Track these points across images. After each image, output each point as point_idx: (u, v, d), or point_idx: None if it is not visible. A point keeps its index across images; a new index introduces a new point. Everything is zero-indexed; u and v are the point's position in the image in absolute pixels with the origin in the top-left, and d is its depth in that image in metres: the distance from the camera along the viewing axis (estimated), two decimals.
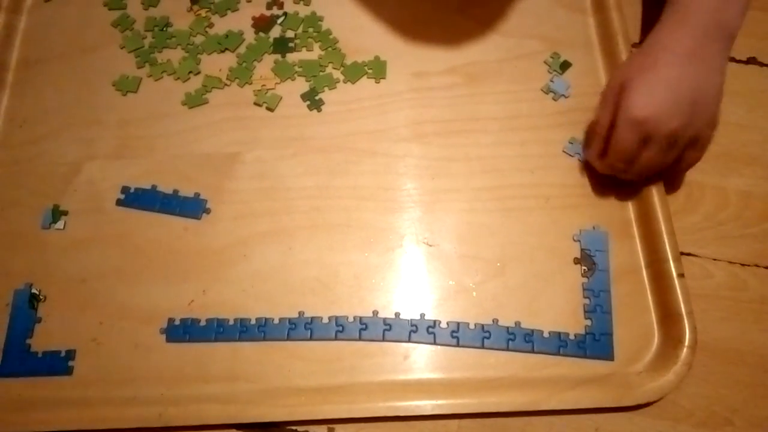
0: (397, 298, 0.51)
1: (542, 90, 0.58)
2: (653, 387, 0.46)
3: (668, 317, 0.49)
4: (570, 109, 0.57)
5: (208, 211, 0.54)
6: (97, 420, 0.46)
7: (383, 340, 0.49)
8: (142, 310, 0.51)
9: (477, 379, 0.48)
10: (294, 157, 0.56)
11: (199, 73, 0.61)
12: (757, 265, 0.52)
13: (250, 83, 0.60)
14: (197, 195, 0.55)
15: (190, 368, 0.49)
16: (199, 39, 0.62)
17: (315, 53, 0.61)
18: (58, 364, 0.49)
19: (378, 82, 0.59)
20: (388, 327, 0.50)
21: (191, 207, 0.54)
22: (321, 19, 0.63)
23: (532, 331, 0.49)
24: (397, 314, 0.50)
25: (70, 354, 0.50)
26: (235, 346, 0.49)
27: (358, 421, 0.47)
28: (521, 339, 0.49)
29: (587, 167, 0.54)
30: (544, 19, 0.62)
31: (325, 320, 0.50)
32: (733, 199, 0.54)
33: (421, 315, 0.50)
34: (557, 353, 0.49)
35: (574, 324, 0.50)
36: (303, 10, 0.63)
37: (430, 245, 0.53)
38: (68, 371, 0.49)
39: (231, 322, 0.50)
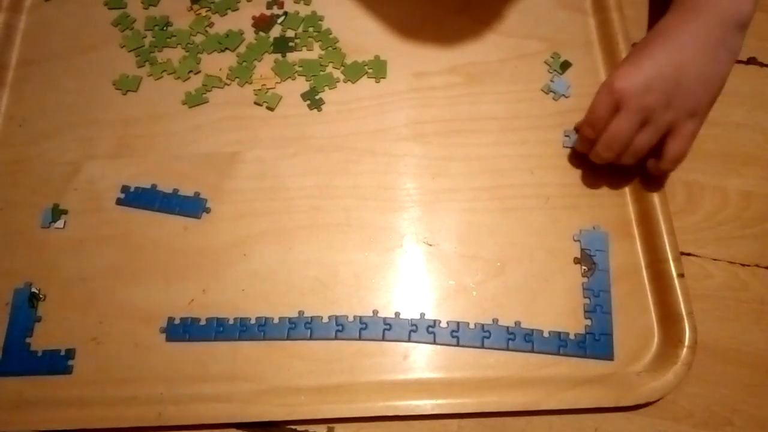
0: (397, 297, 0.51)
1: (542, 90, 0.58)
2: (653, 387, 0.46)
3: (668, 317, 0.49)
4: (570, 109, 0.57)
5: (208, 210, 0.54)
6: (96, 419, 0.46)
7: (383, 339, 0.49)
8: (141, 310, 0.51)
9: (477, 378, 0.48)
10: (294, 157, 0.56)
11: (199, 72, 0.60)
12: (757, 266, 0.52)
13: (251, 83, 0.60)
14: (197, 194, 0.55)
15: (190, 367, 0.49)
16: (199, 38, 0.62)
17: (315, 53, 0.61)
18: (58, 363, 0.49)
19: (378, 82, 0.59)
20: (388, 326, 0.50)
21: (191, 206, 0.54)
22: (321, 18, 0.63)
23: (532, 330, 0.49)
24: (397, 314, 0.50)
25: (70, 353, 0.50)
26: (235, 346, 0.49)
27: (357, 421, 0.47)
28: (521, 339, 0.49)
29: (586, 167, 0.54)
30: (545, 19, 0.62)
31: (325, 320, 0.50)
32: (733, 199, 0.54)
33: (421, 314, 0.50)
34: (557, 353, 0.49)
35: (574, 324, 0.50)
36: (303, 10, 0.63)
37: (430, 245, 0.53)
38: (68, 370, 0.49)
39: (231, 322, 0.50)
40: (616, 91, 0.47)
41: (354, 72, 0.60)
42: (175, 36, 0.62)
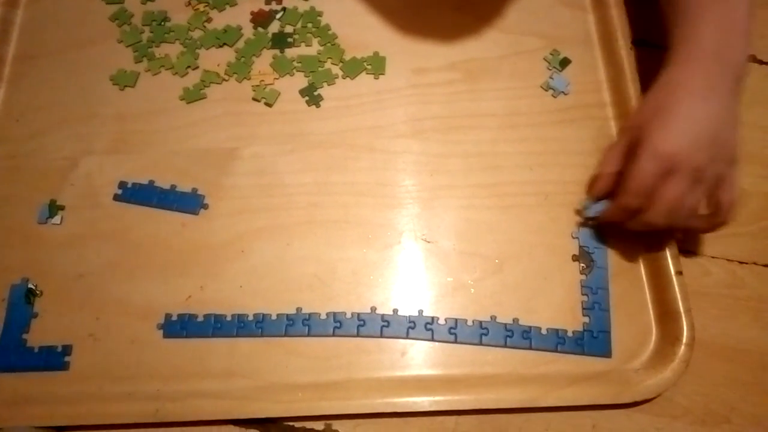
0: (395, 294, 0.51)
1: (542, 87, 0.58)
2: (651, 384, 0.46)
3: (666, 315, 0.49)
4: (569, 106, 0.57)
5: (205, 206, 0.54)
6: (93, 415, 0.46)
7: (381, 336, 0.49)
8: (139, 306, 0.51)
9: (475, 375, 0.48)
10: (292, 153, 0.56)
11: (197, 68, 0.60)
12: (755, 263, 0.52)
13: (249, 78, 0.60)
14: (195, 190, 0.55)
15: (187, 364, 0.49)
16: (197, 34, 0.62)
17: (314, 48, 0.61)
18: (55, 359, 0.49)
19: (377, 78, 0.59)
20: (386, 323, 0.50)
21: (189, 202, 0.54)
22: (320, 14, 0.62)
23: (530, 328, 0.49)
24: (395, 311, 0.50)
25: (67, 349, 0.49)
26: (233, 342, 0.49)
27: (355, 417, 0.47)
28: (519, 336, 0.49)
29: (586, 164, 0.54)
30: (544, 15, 0.62)
31: (323, 316, 0.50)
32: None
33: (419, 311, 0.50)
34: (555, 350, 0.49)
35: (572, 321, 0.50)
36: (302, 5, 0.63)
37: (429, 242, 0.53)
38: (64, 366, 0.49)
39: (228, 318, 0.50)
40: (665, 156, 0.45)
41: (353, 68, 0.60)
42: (173, 31, 0.62)
